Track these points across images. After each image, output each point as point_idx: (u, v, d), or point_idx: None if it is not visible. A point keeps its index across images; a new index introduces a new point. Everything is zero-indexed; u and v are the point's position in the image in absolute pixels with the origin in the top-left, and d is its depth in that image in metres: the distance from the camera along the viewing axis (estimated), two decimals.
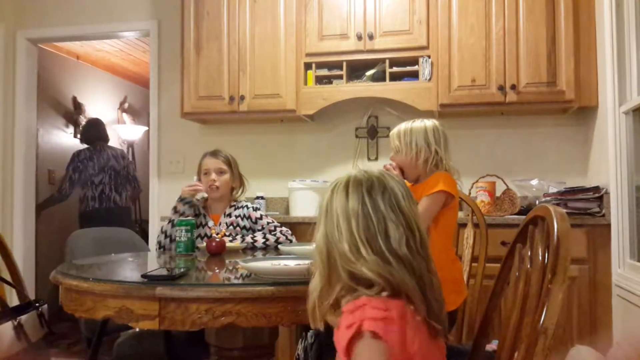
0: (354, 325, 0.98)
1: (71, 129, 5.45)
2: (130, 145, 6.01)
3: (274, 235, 2.48)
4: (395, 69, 3.30)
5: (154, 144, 4.06)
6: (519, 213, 3.06)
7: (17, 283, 1.88)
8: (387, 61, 3.30)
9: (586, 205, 2.87)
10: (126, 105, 6.34)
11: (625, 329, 2.57)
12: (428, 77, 3.24)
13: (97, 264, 1.93)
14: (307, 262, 1.63)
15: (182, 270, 1.56)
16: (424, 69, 3.25)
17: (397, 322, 0.99)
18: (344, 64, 3.36)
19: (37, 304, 1.76)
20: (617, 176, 2.70)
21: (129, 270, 1.93)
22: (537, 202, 3.15)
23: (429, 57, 3.25)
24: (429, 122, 2.11)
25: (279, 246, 2.30)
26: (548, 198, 3.03)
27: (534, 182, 3.27)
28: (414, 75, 3.29)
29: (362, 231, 1.07)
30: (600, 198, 2.86)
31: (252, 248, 2.40)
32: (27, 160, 4.30)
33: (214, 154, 2.62)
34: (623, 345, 2.22)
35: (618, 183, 2.70)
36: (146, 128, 5.74)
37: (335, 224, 1.09)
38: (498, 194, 3.23)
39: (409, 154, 2.06)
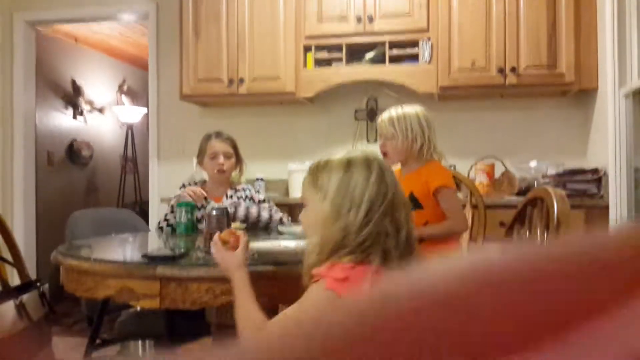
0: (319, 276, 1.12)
1: (70, 111, 5.44)
2: (130, 127, 5.99)
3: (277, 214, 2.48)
4: (395, 51, 3.28)
5: (153, 126, 4.05)
6: (518, 195, 3.07)
7: (18, 263, 1.89)
8: (387, 43, 3.27)
9: (585, 187, 2.88)
10: (125, 87, 6.32)
11: None
12: (428, 60, 3.22)
13: (98, 244, 1.94)
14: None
15: (182, 250, 1.57)
16: (423, 51, 3.23)
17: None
18: (344, 46, 3.34)
19: (38, 284, 1.78)
20: (616, 158, 2.71)
21: (129, 251, 1.94)
22: (535, 183, 3.16)
23: (429, 39, 3.23)
24: (418, 108, 2.09)
25: (280, 227, 2.31)
26: (547, 180, 3.03)
27: (533, 164, 3.27)
28: (414, 58, 3.27)
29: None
30: (599, 180, 2.87)
31: (255, 224, 2.40)
32: (26, 142, 4.30)
33: (221, 135, 2.55)
34: None
35: (617, 165, 2.71)
36: (145, 110, 5.72)
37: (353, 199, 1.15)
38: (497, 175, 3.23)
39: (405, 140, 2.02)
